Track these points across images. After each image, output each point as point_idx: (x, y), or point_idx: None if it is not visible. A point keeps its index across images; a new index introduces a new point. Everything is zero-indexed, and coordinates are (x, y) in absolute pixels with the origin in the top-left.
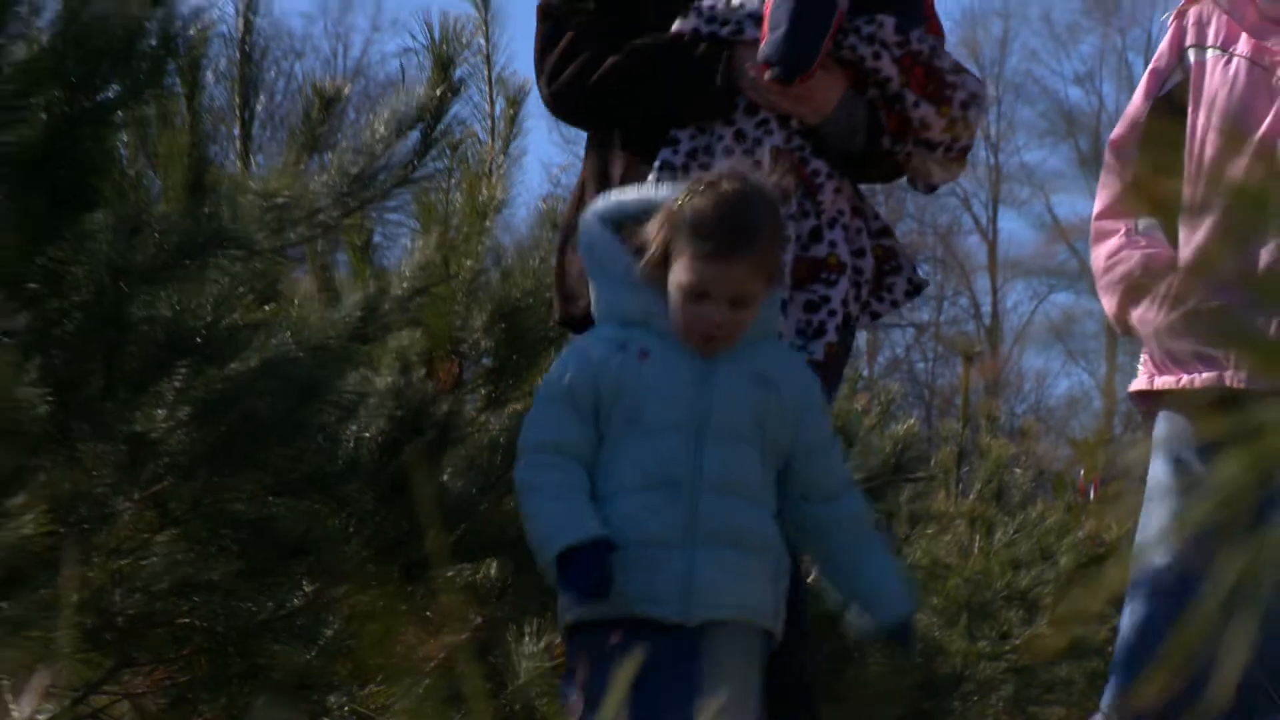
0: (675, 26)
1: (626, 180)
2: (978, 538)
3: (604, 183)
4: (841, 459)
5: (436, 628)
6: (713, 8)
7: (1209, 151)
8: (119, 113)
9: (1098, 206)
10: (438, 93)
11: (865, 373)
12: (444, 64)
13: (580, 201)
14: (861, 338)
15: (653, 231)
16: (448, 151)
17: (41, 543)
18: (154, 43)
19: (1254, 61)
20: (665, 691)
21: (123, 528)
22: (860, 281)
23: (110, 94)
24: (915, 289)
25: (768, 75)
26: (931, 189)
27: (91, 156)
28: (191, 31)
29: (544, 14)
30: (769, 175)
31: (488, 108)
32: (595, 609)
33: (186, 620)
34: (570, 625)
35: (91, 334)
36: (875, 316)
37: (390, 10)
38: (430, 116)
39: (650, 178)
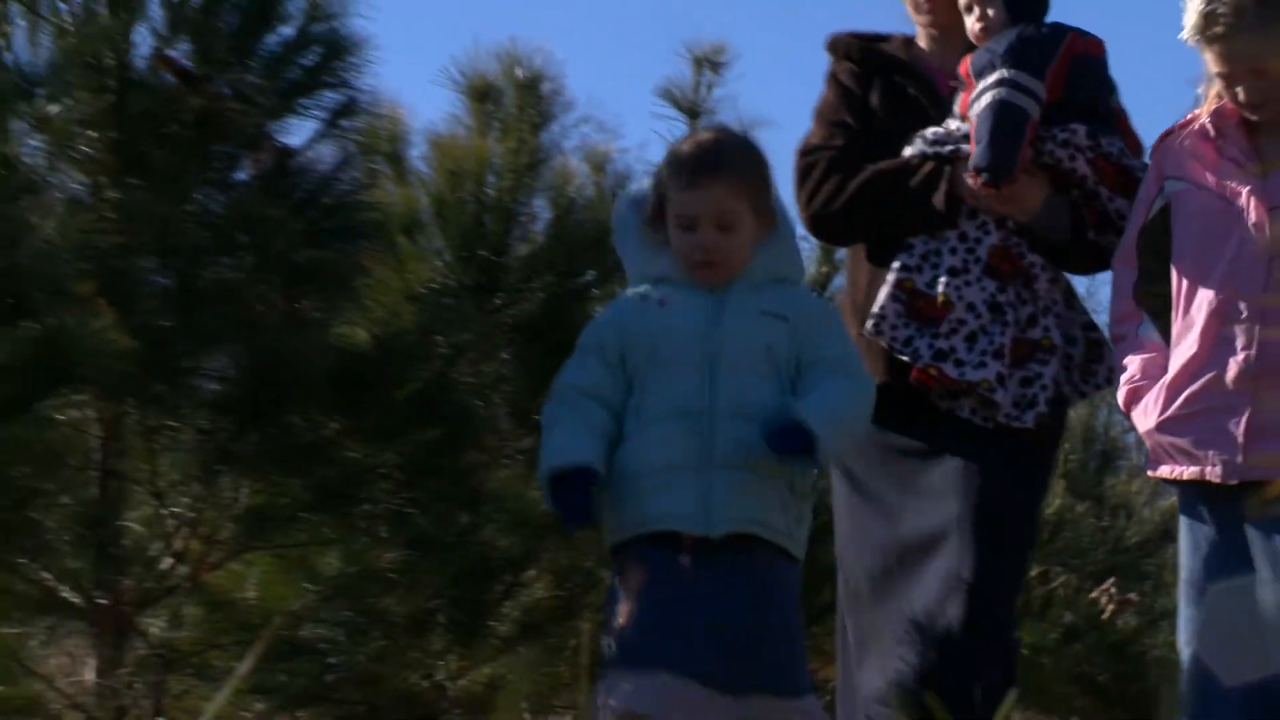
0: (905, 152)
1: (872, 288)
2: None
3: (854, 290)
4: (850, 366)
5: None
6: (935, 133)
7: (1188, 267)
8: (595, 290)
9: (1114, 313)
10: None
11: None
12: None
13: (851, 306)
14: None
15: (649, 193)
16: None
17: (549, 603)
18: None
19: (1218, 195)
20: (688, 597)
21: (603, 590)
22: (1071, 365)
23: (588, 277)
24: (1115, 376)
25: (978, 181)
26: None
27: (576, 323)
28: None
29: (801, 152)
30: None
31: None
32: (627, 529)
33: None
34: (612, 547)
35: None
36: (1082, 396)
37: None
38: None
39: (890, 279)
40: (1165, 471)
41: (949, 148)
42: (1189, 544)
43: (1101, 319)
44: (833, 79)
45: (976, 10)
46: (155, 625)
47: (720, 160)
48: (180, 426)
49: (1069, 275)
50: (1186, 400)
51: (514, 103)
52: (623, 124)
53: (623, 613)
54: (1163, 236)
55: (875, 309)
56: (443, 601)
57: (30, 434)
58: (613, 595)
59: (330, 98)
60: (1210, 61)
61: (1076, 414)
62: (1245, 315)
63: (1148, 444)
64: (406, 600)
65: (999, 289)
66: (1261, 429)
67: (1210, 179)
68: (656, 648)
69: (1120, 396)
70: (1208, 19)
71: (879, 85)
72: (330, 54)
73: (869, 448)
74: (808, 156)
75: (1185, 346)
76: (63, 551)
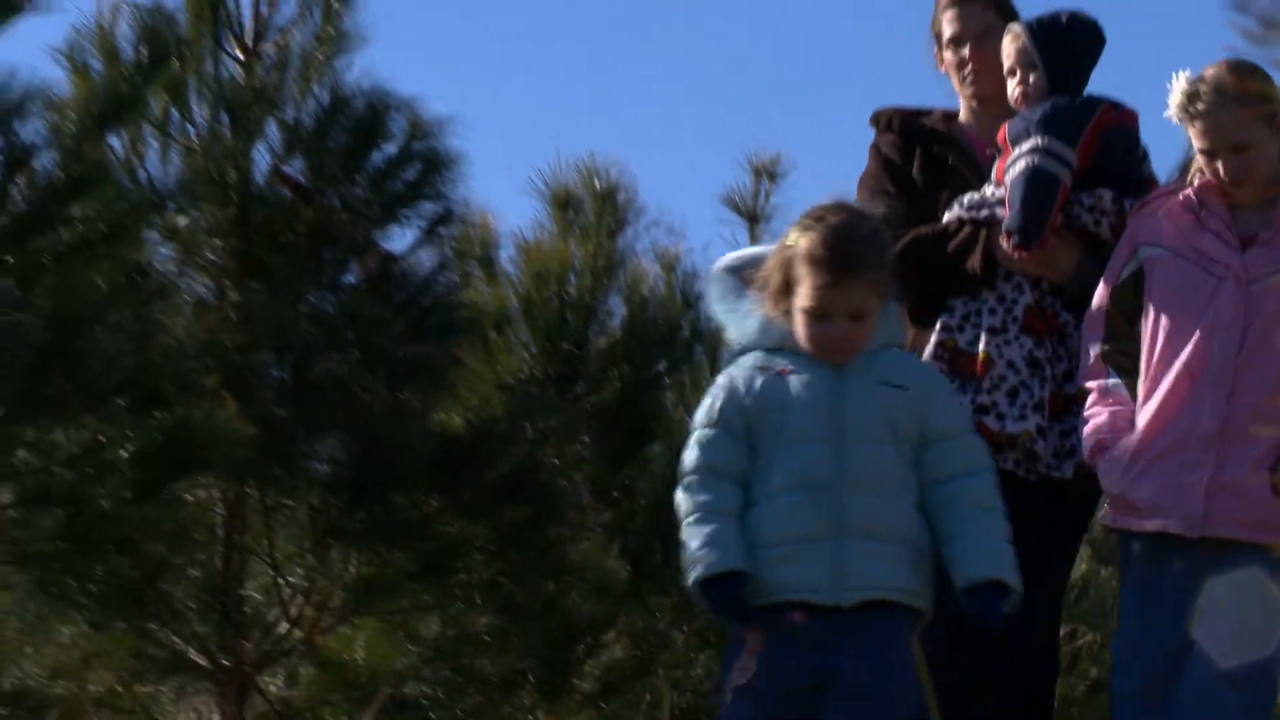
0: (945, 217)
1: (915, 348)
2: None
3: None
4: (970, 447)
5: None
6: (972, 199)
7: (1162, 330)
8: (666, 379)
9: (1081, 372)
10: None
11: None
12: None
13: None
14: None
15: (771, 269)
16: None
17: (626, 662)
18: (687, 333)
19: (1196, 263)
20: (814, 662)
21: (678, 652)
22: None
23: (660, 367)
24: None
25: (1010, 243)
26: None
27: (649, 409)
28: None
29: (866, 192)
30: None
31: None
32: (757, 597)
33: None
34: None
35: (654, 525)
36: None
37: None
38: None
39: (933, 339)
40: (1125, 523)
41: (984, 212)
42: (1136, 599)
43: None
44: (875, 150)
45: (1019, 74)
46: (273, 684)
47: (861, 259)
48: (295, 505)
49: None
50: (1153, 455)
51: (593, 210)
52: (688, 227)
53: (743, 671)
54: (1133, 300)
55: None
56: (531, 662)
57: (162, 513)
58: (733, 655)
59: (429, 208)
60: (1193, 137)
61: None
62: (1217, 378)
63: (1110, 495)
64: (499, 661)
65: (1036, 345)
66: (1223, 486)
67: (1190, 248)
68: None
69: (1086, 446)
70: (1190, 97)
71: (920, 155)
72: (429, 169)
73: None
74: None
75: (1154, 403)
76: (190, 618)
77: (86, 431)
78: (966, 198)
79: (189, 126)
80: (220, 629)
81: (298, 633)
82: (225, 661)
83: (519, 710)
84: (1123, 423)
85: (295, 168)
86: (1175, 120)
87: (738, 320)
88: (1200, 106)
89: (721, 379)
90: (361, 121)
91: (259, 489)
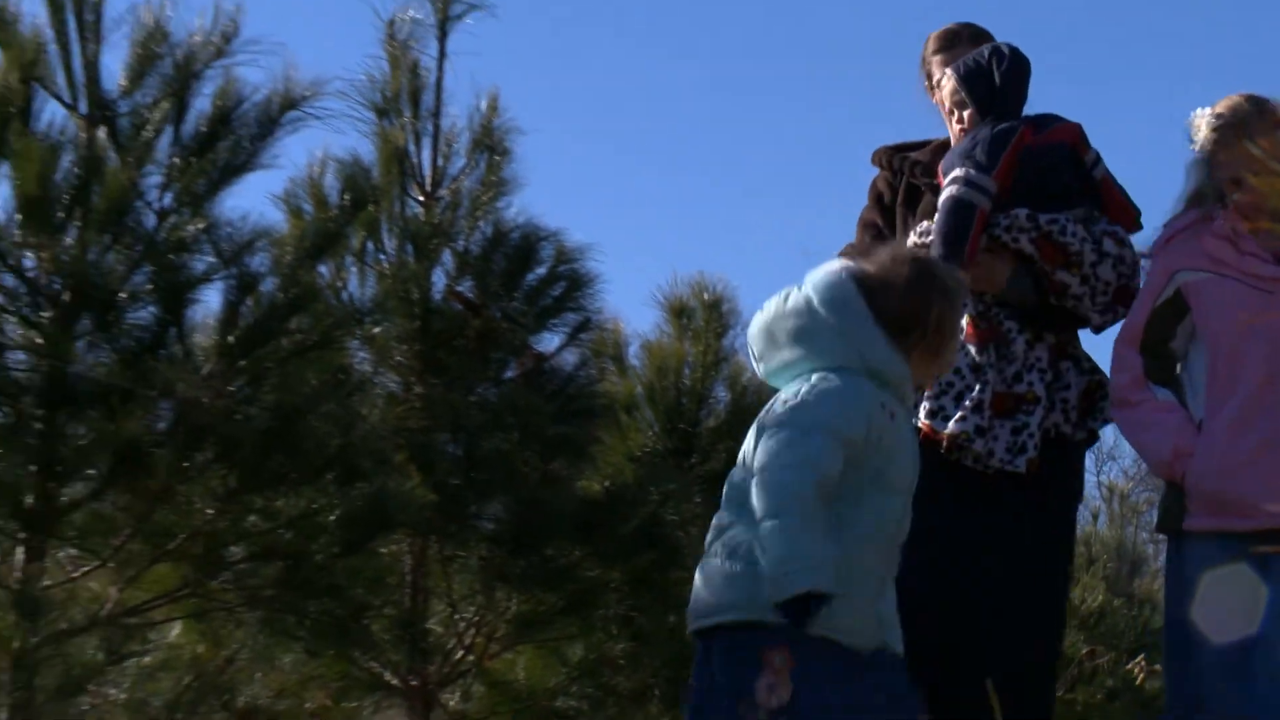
0: (908, 241)
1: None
2: None
3: None
4: None
5: None
6: (924, 226)
7: (1223, 343)
8: None
9: (1122, 382)
10: None
11: None
12: None
13: None
14: None
15: (926, 313)
16: None
17: None
18: None
19: (1241, 280)
20: (844, 696)
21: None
22: (1068, 408)
23: None
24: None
25: None
26: (1097, 330)
27: None
28: None
29: (840, 254)
30: None
31: None
32: (849, 636)
33: None
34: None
35: None
36: (1091, 433)
37: None
38: None
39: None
40: (1212, 524)
41: (929, 238)
42: (1213, 595)
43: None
44: (871, 187)
45: (955, 113)
46: (452, 700)
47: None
48: (467, 555)
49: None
50: (1245, 456)
51: (703, 318)
52: None
53: (771, 690)
54: (1171, 321)
55: None
56: (657, 679)
57: (363, 564)
58: (745, 673)
59: (572, 317)
60: (1217, 165)
61: (1112, 533)
62: None
63: (1198, 502)
64: (631, 678)
65: (978, 351)
66: None
67: (1235, 270)
68: None
69: (1161, 453)
70: (1216, 129)
71: (904, 187)
72: (572, 286)
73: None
74: (860, 226)
75: (1230, 411)
76: (385, 647)
77: (303, 499)
78: (920, 225)
79: (381, 256)
80: (409, 656)
81: (471, 658)
82: (413, 682)
83: (648, 718)
84: (1193, 429)
85: (465, 287)
86: (1200, 148)
87: (868, 343)
88: (1225, 135)
89: (860, 397)
90: (518, 249)
91: (439, 543)
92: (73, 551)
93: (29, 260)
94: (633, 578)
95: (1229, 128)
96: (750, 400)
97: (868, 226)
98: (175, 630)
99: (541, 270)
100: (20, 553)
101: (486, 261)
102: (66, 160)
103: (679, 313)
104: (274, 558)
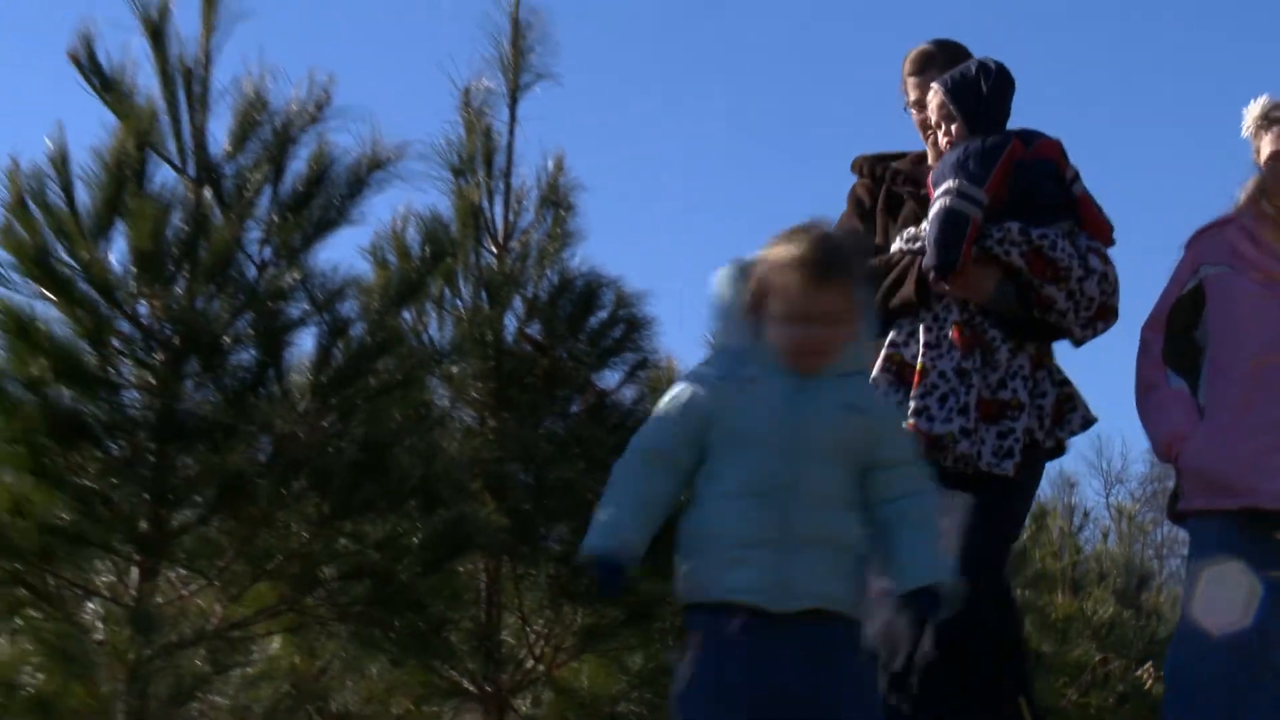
0: (893, 247)
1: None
2: None
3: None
4: (915, 475)
5: None
6: (910, 233)
7: (1235, 333)
8: None
9: (1143, 368)
10: None
11: None
12: None
13: None
14: None
15: (751, 280)
16: None
17: None
18: None
19: (1262, 278)
20: (753, 665)
21: None
22: (1043, 416)
23: None
24: (1086, 423)
25: (931, 276)
26: (1077, 344)
27: None
28: None
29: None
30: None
31: None
32: (701, 595)
33: None
34: (686, 604)
35: None
36: (1058, 443)
37: None
38: None
39: (882, 352)
40: (1203, 504)
41: (919, 244)
42: (1216, 573)
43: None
44: (851, 193)
45: (943, 126)
46: (523, 705)
47: (845, 265)
48: (537, 573)
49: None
50: (1237, 441)
51: None
52: None
53: (687, 677)
54: (1192, 311)
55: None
56: None
57: (443, 582)
58: (692, 649)
59: (630, 357)
60: (1267, 144)
61: (1120, 550)
62: None
63: (1191, 482)
64: None
65: (964, 357)
66: None
67: (1255, 264)
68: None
69: (1161, 434)
70: (1272, 108)
71: (884, 195)
72: (630, 329)
73: None
74: None
75: (1231, 396)
76: (463, 657)
77: (389, 524)
78: (907, 232)
79: (458, 302)
80: (484, 665)
81: (540, 667)
82: (488, 688)
83: None
84: (1195, 415)
85: (534, 330)
86: (1249, 132)
87: (724, 326)
88: (1278, 114)
89: (692, 373)
90: (582, 296)
91: (511, 562)
92: (182, 571)
93: (143, 308)
94: None
95: (1277, 107)
96: None
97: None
98: (275, 643)
99: (603, 314)
100: (135, 573)
101: (553, 307)
102: (176, 218)
103: None
104: (363, 577)
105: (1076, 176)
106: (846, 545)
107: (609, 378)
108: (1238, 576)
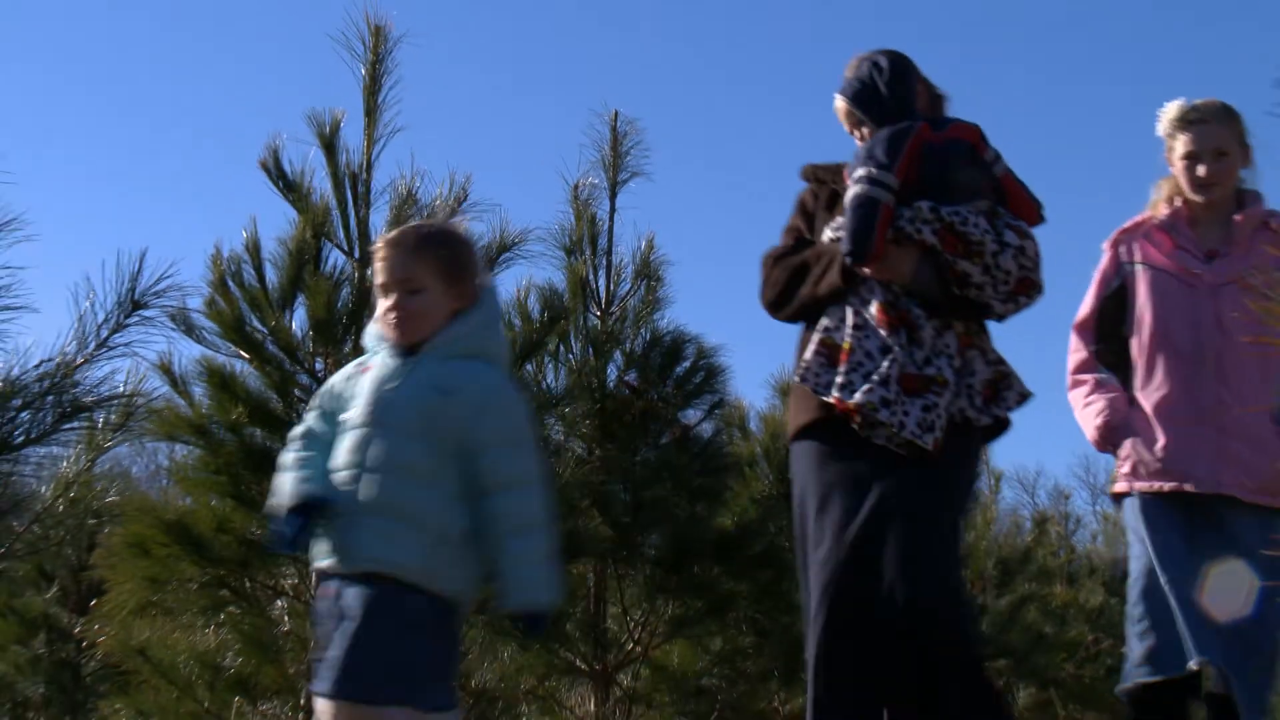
0: (823, 237)
1: (804, 346)
2: None
3: (802, 349)
4: (514, 461)
5: None
6: (836, 223)
7: (1155, 327)
8: None
9: (1072, 366)
10: None
11: None
12: None
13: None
14: None
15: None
16: None
17: None
18: None
19: (1176, 274)
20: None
21: None
22: (973, 394)
23: None
24: (1022, 398)
25: (848, 261)
26: (1000, 319)
27: None
28: None
29: (762, 257)
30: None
31: None
32: (312, 558)
33: None
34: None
35: None
36: (997, 419)
37: None
38: None
39: (815, 338)
40: (1142, 486)
41: (841, 233)
42: (1155, 547)
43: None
44: (797, 199)
45: (856, 131)
46: (625, 680)
47: (404, 235)
48: (635, 573)
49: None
50: (1164, 429)
51: None
52: None
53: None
54: (1118, 310)
55: (802, 362)
56: (776, 664)
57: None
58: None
59: (709, 398)
60: (1181, 145)
61: (1108, 549)
62: (1209, 361)
63: (1124, 468)
64: (757, 663)
65: (889, 334)
66: (1225, 450)
67: (1169, 262)
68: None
69: (1094, 423)
70: (1188, 111)
71: (825, 197)
72: (709, 376)
73: (823, 467)
74: (766, 260)
75: (1156, 387)
76: (577, 641)
77: None
78: (835, 221)
79: (570, 356)
80: (594, 648)
81: (639, 649)
82: (597, 666)
83: (769, 694)
84: (1123, 404)
85: (631, 377)
86: (1166, 133)
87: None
88: (1195, 116)
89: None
90: (669, 350)
91: (614, 565)
92: None
93: (319, 365)
94: (757, 589)
95: (1195, 110)
96: None
97: (789, 232)
98: None
99: (686, 364)
100: (314, 575)
101: (646, 359)
102: (345, 293)
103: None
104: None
105: (998, 158)
106: (420, 520)
107: (691, 415)
108: (1235, 572)
